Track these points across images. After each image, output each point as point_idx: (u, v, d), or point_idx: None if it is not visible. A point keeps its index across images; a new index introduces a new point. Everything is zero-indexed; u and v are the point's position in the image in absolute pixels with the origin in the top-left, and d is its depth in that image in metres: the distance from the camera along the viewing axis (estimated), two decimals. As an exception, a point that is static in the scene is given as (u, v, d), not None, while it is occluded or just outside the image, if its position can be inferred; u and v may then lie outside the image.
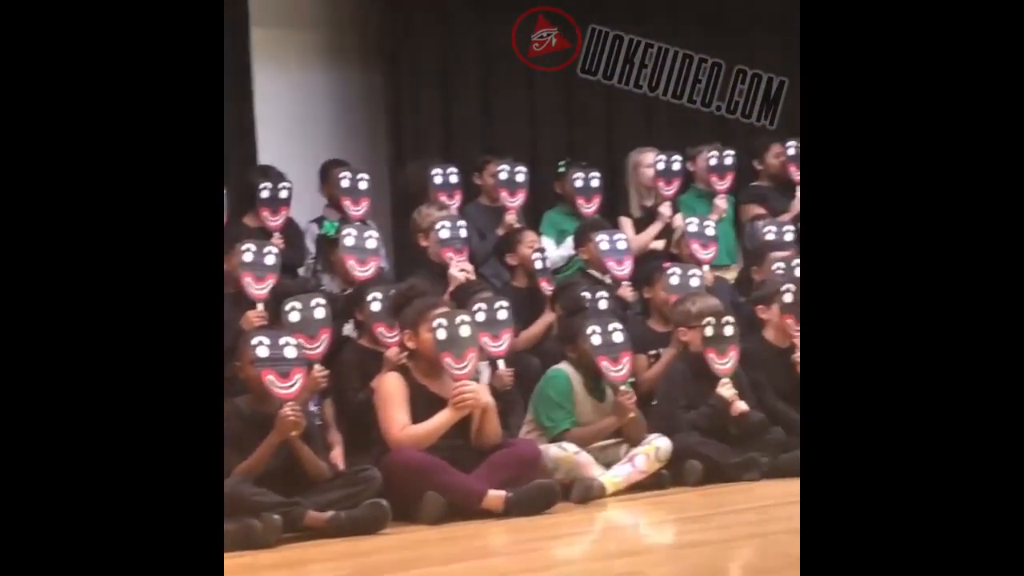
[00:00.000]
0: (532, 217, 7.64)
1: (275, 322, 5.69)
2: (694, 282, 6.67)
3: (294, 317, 5.51)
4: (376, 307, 5.82)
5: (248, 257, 5.98)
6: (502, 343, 5.80)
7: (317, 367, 5.55)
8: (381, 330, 5.81)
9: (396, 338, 5.67)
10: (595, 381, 5.89)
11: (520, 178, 7.21)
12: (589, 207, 7.31)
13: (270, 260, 6.03)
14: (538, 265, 6.68)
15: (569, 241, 7.26)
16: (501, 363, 5.85)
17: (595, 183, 7.34)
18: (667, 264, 6.95)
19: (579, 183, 7.32)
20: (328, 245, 6.76)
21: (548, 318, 6.53)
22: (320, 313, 5.58)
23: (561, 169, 7.63)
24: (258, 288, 5.95)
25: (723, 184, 7.72)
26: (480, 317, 5.61)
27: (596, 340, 5.76)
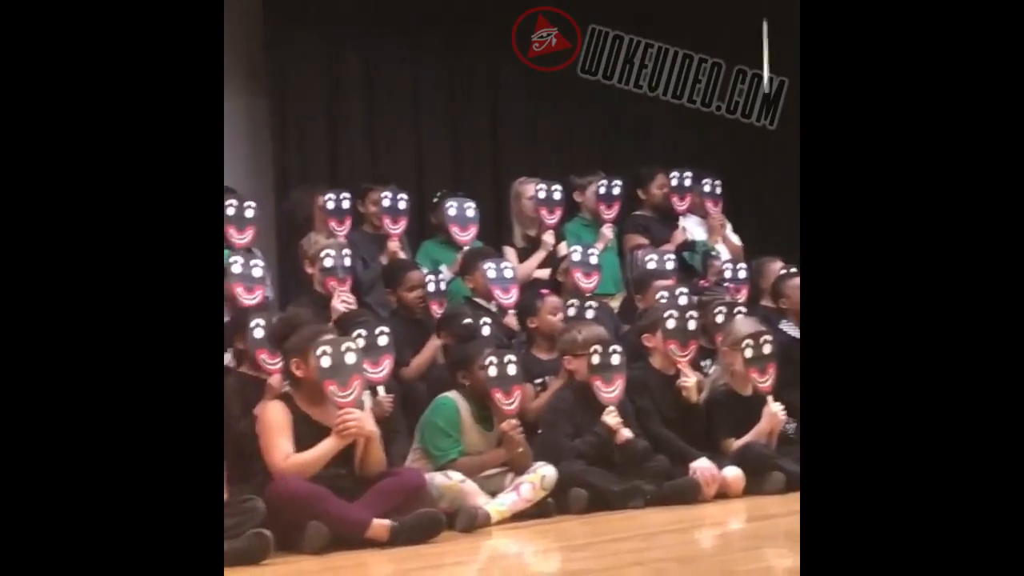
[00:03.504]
0: (414, 245, 7.64)
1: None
2: (589, 313, 6.72)
3: None
4: (259, 334, 5.75)
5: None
6: (382, 369, 5.79)
7: None
8: (263, 357, 5.74)
9: (278, 365, 5.62)
10: (483, 410, 5.88)
11: (402, 205, 7.21)
12: (465, 235, 7.32)
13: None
14: (431, 288, 6.67)
15: (442, 269, 7.27)
16: (381, 389, 5.81)
17: (470, 212, 7.37)
18: (544, 292, 6.99)
19: (453, 212, 7.34)
20: (218, 273, 6.67)
21: (434, 344, 6.52)
22: None
23: (436, 199, 7.64)
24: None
25: (610, 213, 7.81)
26: (360, 343, 5.57)
27: (492, 372, 5.75)
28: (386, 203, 7.20)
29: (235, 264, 6.23)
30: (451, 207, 7.35)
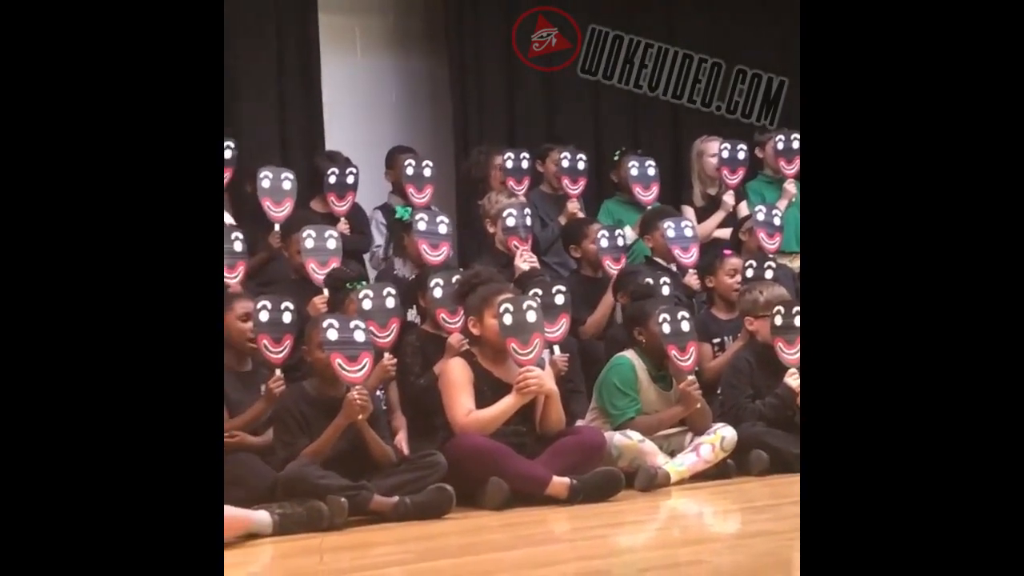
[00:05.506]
0: (592, 206, 7.63)
1: (334, 307, 5.72)
2: (768, 274, 6.64)
3: (366, 305, 5.53)
4: (438, 293, 5.81)
5: (309, 243, 6.01)
6: (558, 328, 5.79)
7: (387, 356, 5.57)
8: (443, 316, 5.80)
9: (458, 324, 5.68)
10: (660, 369, 5.87)
11: (581, 166, 7.21)
12: (647, 195, 7.30)
13: (331, 244, 6.06)
14: (603, 244, 6.66)
15: (627, 230, 7.24)
16: (556, 348, 5.83)
17: (651, 171, 7.33)
18: (727, 252, 6.92)
19: (635, 171, 7.31)
20: (401, 229, 6.77)
21: (609, 301, 6.52)
22: (391, 302, 5.60)
23: (616, 157, 7.61)
24: (321, 273, 5.98)
25: (791, 168, 7.66)
26: (537, 302, 5.59)
27: (666, 328, 5.72)
28: (565, 163, 7.20)
29: (420, 221, 6.32)
30: (633, 166, 7.32)
